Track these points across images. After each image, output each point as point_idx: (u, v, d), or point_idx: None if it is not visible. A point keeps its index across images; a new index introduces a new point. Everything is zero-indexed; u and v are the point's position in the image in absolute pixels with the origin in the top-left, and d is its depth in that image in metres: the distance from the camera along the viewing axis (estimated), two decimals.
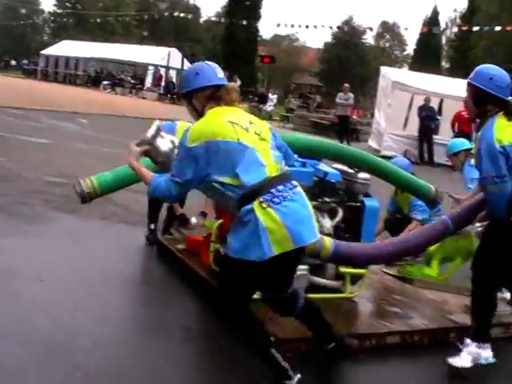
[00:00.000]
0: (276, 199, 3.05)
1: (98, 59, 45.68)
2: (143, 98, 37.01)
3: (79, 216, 6.73)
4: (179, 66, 42.07)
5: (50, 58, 50.51)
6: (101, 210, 6.94)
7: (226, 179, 3.11)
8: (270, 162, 3.17)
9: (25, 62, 57.23)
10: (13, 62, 65.24)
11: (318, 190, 4.73)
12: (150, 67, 43.42)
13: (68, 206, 6.97)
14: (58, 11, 70.08)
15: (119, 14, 56.70)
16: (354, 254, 4.19)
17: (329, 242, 3.96)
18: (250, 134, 3.21)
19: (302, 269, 4.20)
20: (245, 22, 43.11)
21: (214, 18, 65.77)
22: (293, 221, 3.05)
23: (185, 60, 42.96)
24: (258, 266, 3.05)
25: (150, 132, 3.52)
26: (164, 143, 3.56)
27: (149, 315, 4.52)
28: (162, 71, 42.50)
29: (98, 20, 55.92)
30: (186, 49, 47.83)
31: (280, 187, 3.10)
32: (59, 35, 64.32)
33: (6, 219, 6.29)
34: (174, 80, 40.57)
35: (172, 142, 3.57)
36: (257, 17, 48.56)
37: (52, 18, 73.40)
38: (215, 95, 3.33)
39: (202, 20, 75.28)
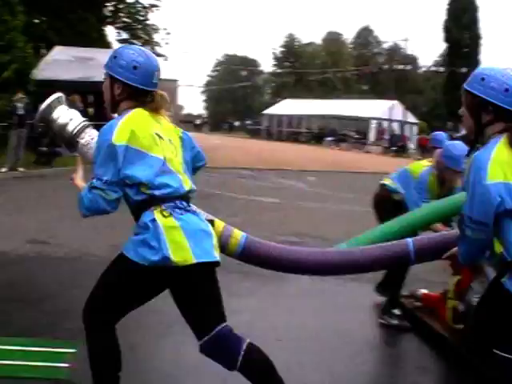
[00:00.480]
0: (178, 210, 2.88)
1: (320, 116, 46.90)
2: (367, 153, 37.04)
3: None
4: (401, 118, 41.64)
5: (273, 117, 52.86)
6: None
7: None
8: (184, 177, 3.01)
9: (248, 122, 60.59)
10: (236, 123, 69.62)
11: None
12: (373, 121, 43.42)
13: None
14: (278, 71, 73.64)
15: (338, 70, 57.90)
16: (271, 254, 3.63)
17: (239, 234, 3.58)
18: (170, 146, 2.99)
19: None
20: (464, 70, 41.69)
21: (432, 68, 64.76)
22: (193, 233, 2.84)
23: (408, 112, 42.52)
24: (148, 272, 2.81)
25: (44, 103, 3.06)
26: (64, 116, 3.20)
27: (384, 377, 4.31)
28: (385, 124, 42.25)
29: (318, 77, 57.53)
30: (407, 100, 47.26)
31: (184, 202, 2.95)
32: (280, 94, 67.51)
33: (241, 280, 6.30)
34: (398, 132, 40.16)
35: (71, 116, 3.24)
36: (476, 62, 46.69)
37: (272, 77, 76.88)
38: (144, 99, 3.02)
39: (421, 70, 74.59)
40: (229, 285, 5.95)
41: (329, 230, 9.41)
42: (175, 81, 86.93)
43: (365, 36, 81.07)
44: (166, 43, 22.49)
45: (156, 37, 22.71)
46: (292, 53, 76.33)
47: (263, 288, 6.11)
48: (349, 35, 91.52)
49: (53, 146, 17.18)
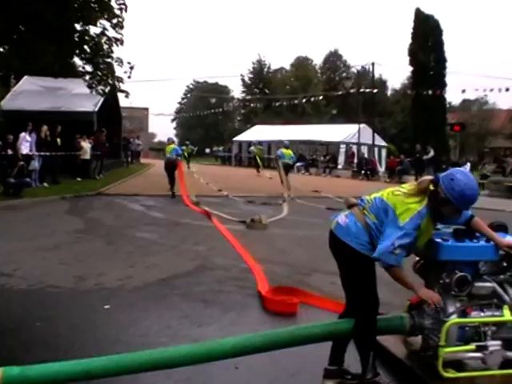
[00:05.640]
0: None
1: (290, 141, 47.28)
2: (337, 177, 37.45)
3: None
4: (370, 142, 42.20)
5: (243, 144, 53.13)
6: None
7: None
8: None
9: (218, 149, 60.95)
10: (207, 150, 69.87)
11: (506, 263, 4.47)
12: (342, 145, 43.98)
13: None
14: (248, 97, 74.07)
15: (308, 95, 58.56)
16: None
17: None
18: None
19: (494, 344, 4.21)
20: (431, 92, 42.50)
21: (400, 90, 65.81)
22: None
23: (375, 135, 43.05)
24: None
25: None
26: None
27: None
28: (354, 148, 42.81)
29: (288, 102, 58.08)
30: (376, 123, 47.93)
31: None
32: (250, 121, 67.93)
33: (202, 308, 6.45)
34: (366, 155, 40.68)
35: None
36: (442, 85, 47.64)
37: (241, 104, 77.34)
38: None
39: (389, 93, 75.77)
40: (191, 313, 6.19)
41: (294, 257, 9.66)
42: (146, 109, 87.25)
43: (333, 60, 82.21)
44: (129, 77, 22.45)
45: (119, 70, 22.81)
46: (261, 78, 77.05)
47: (223, 316, 6.22)
48: (317, 60, 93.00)
49: (21, 176, 17.23)
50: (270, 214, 14.11)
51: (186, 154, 40.99)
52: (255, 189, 22.35)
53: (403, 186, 4.37)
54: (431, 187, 4.08)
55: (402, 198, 4.11)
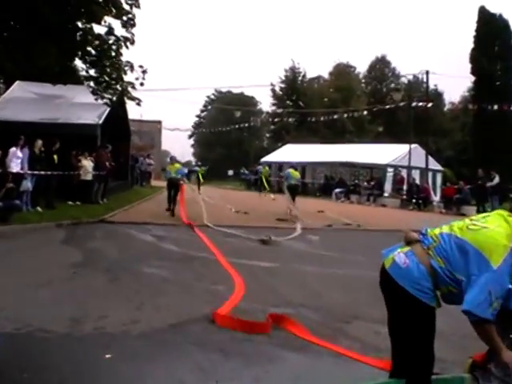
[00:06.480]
0: None
1: (327, 163, 47.33)
2: (383, 206, 37.30)
3: (307, 353, 6.68)
4: (423, 165, 41.91)
5: (272, 166, 53.16)
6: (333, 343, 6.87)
7: None
8: None
9: (244, 171, 61.00)
10: (230, 172, 69.99)
11: None
12: (389, 168, 43.78)
13: (295, 343, 6.97)
14: (278, 111, 74.24)
15: (349, 109, 58.66)
16: None
17: None
18: None
19: None
20: (496, 107, 42.09)
21: (459, 105, 65.49)
22: None
23: (429, 157, 42.76)
24: None
25: None
26: None
27: None
28: (404, 172, 42.59)
29: (325, 117, 58.15)
30: (430, 143, 47.69)
31: None
32: (280, 138, 67.96)
33: (221, 360, 6.38)
34: (418, 181, 40.41)
35: None
36: (510, 98, 47.12)
37: (271, 119, 77.58)
38: None
39: (445, 108, 75.63)
40: (207, 366, 6.11)
41: (331, 300, 9.54)
42: (159, 122, 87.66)
43: (380, 68, 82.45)
44: (141, 84, 22.59)
45: (129, 77, 22.97)
46: (295, 88, 77.32)
47: (246, 371, 6.14)
48: (361, 67, 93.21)
49: (10, 198, 17.30)
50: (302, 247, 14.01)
51: (199, 175, 41.64)
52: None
53: (475, 217, 4.24)
54: None
55: (484, 232, 3.96)
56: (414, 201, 36.66)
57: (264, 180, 41.81)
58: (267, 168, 46.30)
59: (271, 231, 17.21)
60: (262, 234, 16.34)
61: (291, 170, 24.96)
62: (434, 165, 46.20)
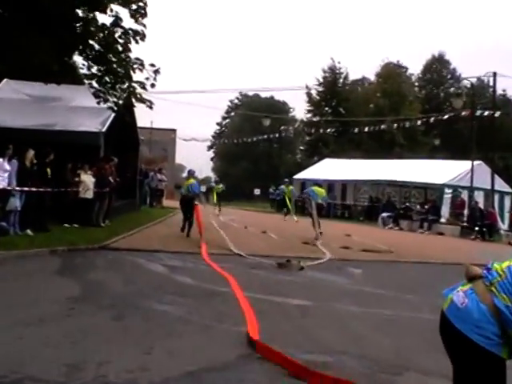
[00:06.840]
0: None
1: (373, 182, 47.24)
2: (439, 234, 37.11)
3: None
4: (488, 186, 41.68)
5: (307, 184, 53.00)
6: None
7: None
8: None
9: (272, 190, 60.84)
10: (257, 191, 69.95)
11: None
12: (447, 189, 43.61)
13: None
14: (314, 119, 74.25)
15: (399, 118, 58.63)
16: None
17: None
18: None
19: None
20: None
21: None
22: None
23: (496, 177, 42.47)
24: None
25: None
26: None
27: None
28: (465, 194, 42.41)
29: (371, 127, 58.12)
30: (497, 160, 47.47)
31: None
32: (318, 152, 67.94)
33: None
34: (482, 205, 40.18)
35: None
36: None
37: (306, 128, 77.75)
38: None
39: None
40: None
41: (377, 346, 9.46)
42: (173, 131, 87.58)
43: (437, 69, 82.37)
44: (152, 85, 22.53)
45: (139, 76, 22.93)
46: (334, 93, 77.41)
47: None
48: (414, 68, 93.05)
49: None
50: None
51: (214, 194, 42.04)
52: None
53: None
54: None
55: None
56: (476, 229, 36.44)
57: (288, 201, 42.11)
58: (291, 187, 47.13)
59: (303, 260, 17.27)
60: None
61: (315, 188, 25.53)
62: (501, 186, 45.99)
